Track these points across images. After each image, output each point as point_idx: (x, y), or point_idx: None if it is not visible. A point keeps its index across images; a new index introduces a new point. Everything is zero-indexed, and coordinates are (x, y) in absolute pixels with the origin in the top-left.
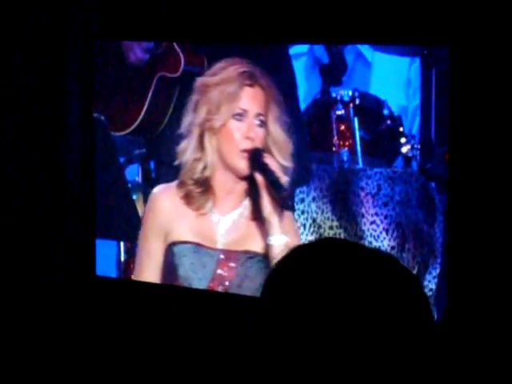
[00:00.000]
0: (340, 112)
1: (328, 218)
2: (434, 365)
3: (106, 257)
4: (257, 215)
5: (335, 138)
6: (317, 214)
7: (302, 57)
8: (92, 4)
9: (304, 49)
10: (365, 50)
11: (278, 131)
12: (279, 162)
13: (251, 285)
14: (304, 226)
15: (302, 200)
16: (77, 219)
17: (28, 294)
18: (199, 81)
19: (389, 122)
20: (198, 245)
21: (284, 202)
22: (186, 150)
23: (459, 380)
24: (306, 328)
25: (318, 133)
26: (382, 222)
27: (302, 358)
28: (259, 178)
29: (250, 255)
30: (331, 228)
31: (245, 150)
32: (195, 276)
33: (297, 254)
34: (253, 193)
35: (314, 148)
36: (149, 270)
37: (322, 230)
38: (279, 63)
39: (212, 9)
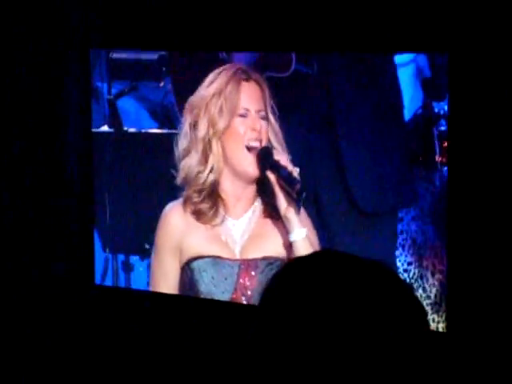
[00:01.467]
0: (443, 128)
1: (429, 239)
2: (429, 374)
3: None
4: (270, 213)
5: (437, 155)
6: (417, 234)
7: (405, 66)
8: (90, 12)
9: (407, 58)
10: None
11: (277, 124)
12: (286, 155)
13: None
14: (403, 246)
15: (402, 219)
16: (76, 227)
17: (27, 302)
18: (194, 99)
19: None
20: (216, 258)
21: (298, 195)
22: (190, 165)
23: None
24: (303, 339)
25: (418, 149)
26: None
27: (298, 368)
28: (271, 176)
29: (270, 261)
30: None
31: (252, 148)
32: (217, 290)
33: (294, 266)
34: (265, 192)
35: (414, 165)
36: (166, 289)
37: (422, 251)
38: (383, 72)
39: (211, 17)
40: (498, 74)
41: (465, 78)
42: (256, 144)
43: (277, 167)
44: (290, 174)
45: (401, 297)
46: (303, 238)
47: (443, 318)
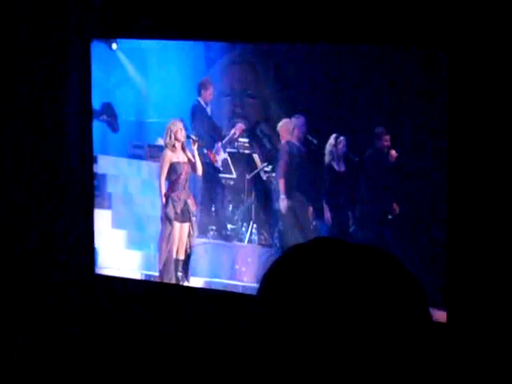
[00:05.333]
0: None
1: None
2: (431, 362)
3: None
4: None
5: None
6: None
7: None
8: (90, 3)
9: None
10: None
11: None
12: None
13: None
14: None
15: None
16: (76, 219)
17: (28, 293)
18: None
19: None
20: None
21: None
22: None
23: (459, 378)
24: (304, 327)
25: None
26: None
27: (299, 357)
28: None
29: None
30: None
31: None
32: None
33: (293, 253)
34: None
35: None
36: None
37: None
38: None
39: (213, 7)
40: (498, 73)
41: (464, 77)
42: None
43: None
44: None
45: (402, 281)
46: None
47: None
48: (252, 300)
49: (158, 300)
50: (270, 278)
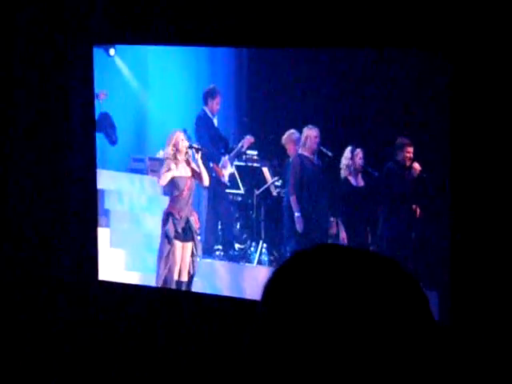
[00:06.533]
0: None
1: None
2: (435, 364)
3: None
4: None
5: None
6: None
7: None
8: (92, 9)
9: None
10: None
11: None
12: None
13: None
14: None
15: None
16: (80, 225)
17: (32, 298)
18: None
19: None
20: None
21: None
22: None
23: (463, 380)
24: (307, 332)
25: None
26: None
27: (303, 363)
28: None
29: None
30: None
31: None
32: None
33: (296, 260)
34: None
35: None
36: None
37: None
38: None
39: (214, 12)
40: (500, 75)
41: (466, 79)
42: None
43: None
44: None
45: (404, 288)
46: None
47: None
48: (255, 306)
49: (159, 306)
50: (272, 284)
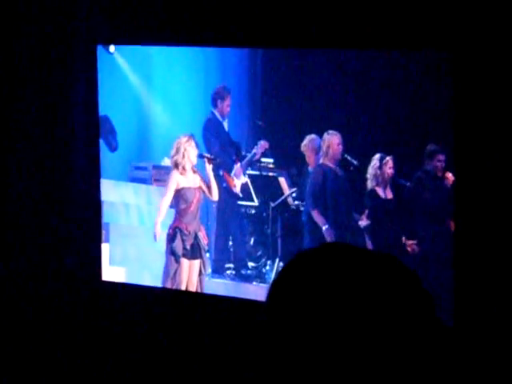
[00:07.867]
0: None
1: None
2: (438, 362)
3: None
4: None
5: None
6: None
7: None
8: (95, 9)
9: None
10: None
11: None
12: None
13: None
14: None
15: None
16: (83, 225)
17: (35, 298)
18: None
19: None
20: None
21: None
22: None
23: (465, 378)
24: (313, 333)
25: None
26: None
27: (309, 364)
28: None
29: None
30: None
31: None
32: None
33: (301, 259)
34: None
35: None
36: None
37: None
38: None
39: (216, 12)
40: (503, 74)
41: (470, 78)
42: None
43: None
44: None
45: (409, 288)
46: None
47: None
48: (260, 307)
49: (163, 306)
50: (278, 285)
